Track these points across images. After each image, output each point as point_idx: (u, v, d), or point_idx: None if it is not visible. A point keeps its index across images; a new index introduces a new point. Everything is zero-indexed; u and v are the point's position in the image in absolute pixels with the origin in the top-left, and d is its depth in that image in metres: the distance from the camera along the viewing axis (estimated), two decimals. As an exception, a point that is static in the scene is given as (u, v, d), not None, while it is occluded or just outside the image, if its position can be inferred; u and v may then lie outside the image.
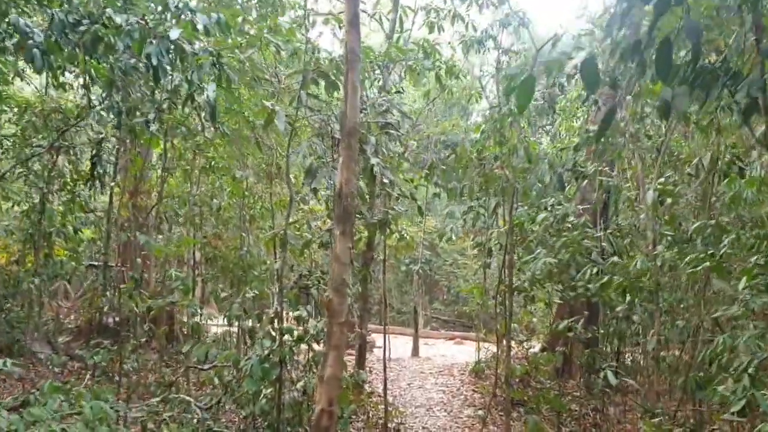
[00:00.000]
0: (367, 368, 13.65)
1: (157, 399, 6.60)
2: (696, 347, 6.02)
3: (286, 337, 6.68)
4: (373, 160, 5.88)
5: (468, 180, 8.67)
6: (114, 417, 4.97)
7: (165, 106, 6.17)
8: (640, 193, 8.61)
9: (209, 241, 11.68)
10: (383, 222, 9.39)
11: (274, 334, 6.34)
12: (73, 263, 10.29)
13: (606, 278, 4.54)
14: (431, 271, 26.68)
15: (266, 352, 6.60)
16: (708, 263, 4.41)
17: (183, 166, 11.38)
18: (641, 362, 10.68)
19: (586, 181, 8.78)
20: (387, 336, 17.49)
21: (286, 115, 6.21)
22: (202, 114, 8.71)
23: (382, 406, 9.30)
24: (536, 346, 13.64)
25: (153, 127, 6.01)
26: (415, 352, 16.86)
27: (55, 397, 4.78)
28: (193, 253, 13.04)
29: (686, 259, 4.53)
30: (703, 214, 5.93)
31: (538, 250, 7.28)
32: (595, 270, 5.25)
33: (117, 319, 9.23)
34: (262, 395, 7.66)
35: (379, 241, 11.48)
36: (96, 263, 10.98)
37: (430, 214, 24.24)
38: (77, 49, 5.59)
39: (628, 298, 5.66)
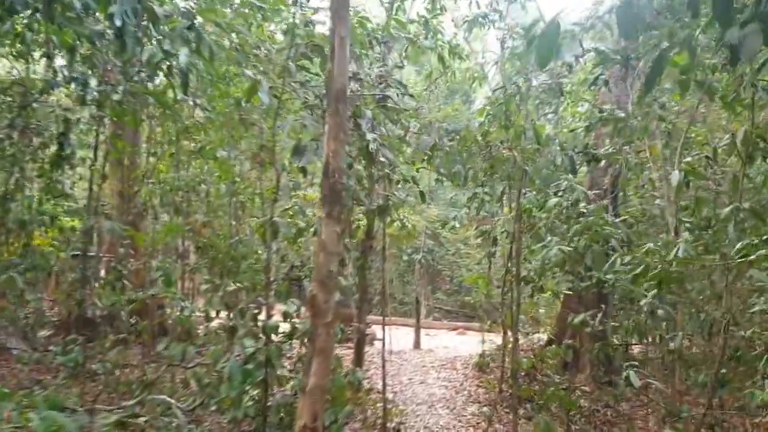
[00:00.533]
0: (367, 363, 13.02)
1: (133, 401, 5.96)
2: (725, 342, 5.34)
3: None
4: (370, 137, 5.20)
5: (473, 164, 7.99)
6: (73, 429, 4.29)
7: (138, 78, 5.50)
8: (657, 176, 7.94)
9: (197, 229, 11.02)
10: (383, 208, 8.73)
11: (258, 332, 5.68)
12: (58, 253, 9.65)
13: (640, 268, 3.89)
14: (434, 260, 26.05)
15: (251, 351, 5.97)
16: (753, 253, 3.76)
17: (170, 150, 10.73)
18: (653, 357, 10.06)
19: (599, 164, 8.09)
20: (386, 329, 16.88)
21: (271, 87, 5.53)
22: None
23: (381, 404, 8.68)
24: (542, 338, 13.01)
25: (121, 100, 5.33)
26: (417, 344, 16.24)
27: (1, 406, 4.13)
28: (183, 242, 12.42)
29: (737, 247, 3.87)
30: (735, 197, 5.23)
31: (549, 238, 6.61)
32: (626, 258, 4.60)
33: (101, 312, 8.59)
34: (248, 398, 7.04)
35: (379, 229, 10.83)
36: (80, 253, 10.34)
37: (432, 202, 23.58)
38: (36, 14, 4.93)
39: (654, 290, 5.00)
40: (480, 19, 10.37)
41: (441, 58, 11.19)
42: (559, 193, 7.45)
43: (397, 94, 6.95)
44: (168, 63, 5.20)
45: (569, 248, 6.05)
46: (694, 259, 3.68)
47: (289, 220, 9.37)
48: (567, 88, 12.31)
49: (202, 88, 7.74)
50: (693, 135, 9.05)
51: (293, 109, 7.45)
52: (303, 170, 5.79)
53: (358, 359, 10.46)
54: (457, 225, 11.43)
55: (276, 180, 6.21)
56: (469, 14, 11.92)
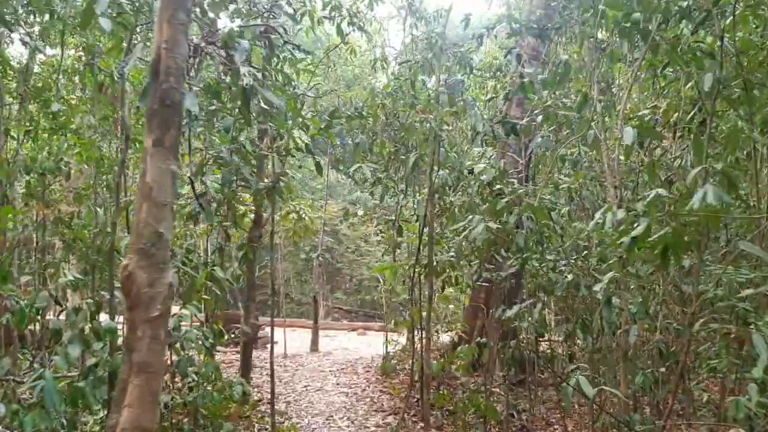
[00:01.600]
0: (258, 369, 11.40)
1: None
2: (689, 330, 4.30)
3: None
4: (243, 70, 3.73)
5: (377, 140, 6.67)
6: None
7: None
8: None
9: (52, 214, 9.04)
10: (272, 189, 7.23)
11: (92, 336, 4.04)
12: None
13: (640, 227, 2.70)
14: (333, 258, 24.63)
15: (92, 363, 4.33)
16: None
17: (26, 126, 8.75)
18: (577, 354, 9.16)
19: (518, 137, 7.02)
20: (282, 331, 15.23)
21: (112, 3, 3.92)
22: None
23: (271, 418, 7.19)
24: (445, 337, 11.93)
25: None
26: (315, 346, 14.76)
27: None
28: (42, 234, 10.31)
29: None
30: (699, 159, 4.20)
31: (470, 217, 5.38)
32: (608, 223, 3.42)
33: None
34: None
35: (270, 216, 9.27)
36: None
37: (331, 199, 22.15)
38: None
39: (611, 273, 3.87)
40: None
41: (339, 29, 9.82)
42: (480, 168, 6.26)
43: (286, 30, 5.50)
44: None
45: (497, 225, 4.85)
46: (720, 211, 2.52)
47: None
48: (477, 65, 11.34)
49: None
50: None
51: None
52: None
53: (245, 366, 8.88)
54: (359, 213, 10.07)
55: (125, 136, 4.59)
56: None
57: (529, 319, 6.13)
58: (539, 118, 6.88)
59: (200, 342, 5.29)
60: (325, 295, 25.11)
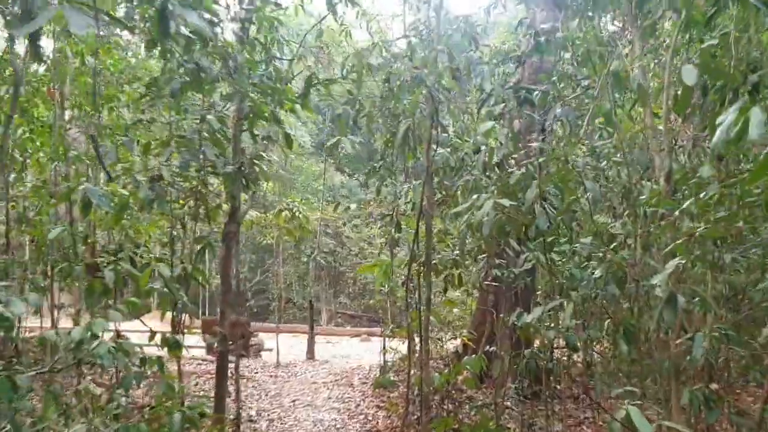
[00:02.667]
0: (244, 381, 10.19)
1: None
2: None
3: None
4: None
5: (367, 102, 5.45)
6: None
7: None
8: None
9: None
10: (238, 172, 6.03)
11: None
12: None
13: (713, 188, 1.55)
14: (335, 261, 23.42)
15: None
16: None
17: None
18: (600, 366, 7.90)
19: (533, 107, 5.77)
20: (277, 337, 13.98)
21: None
22: None
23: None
24: (450, 342, 10.67)
25: None
26: (311, 354, 13.50)
27: None
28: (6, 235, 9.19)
29: None
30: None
31: (475, 196, 4.15)
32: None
33: None
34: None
35: (249, 207, 8.09)
36: None
37: (332, 199, 20.95)
38: None
39: (674, 260, 2.65)
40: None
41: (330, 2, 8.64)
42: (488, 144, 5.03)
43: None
44: None
45: (512, 203, 3.62)
46: None
47: (106, 189, 6.51)
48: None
49: None
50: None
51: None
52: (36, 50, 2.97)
53: (220, 379, 7.64)
54: (353, 206, 8.85)
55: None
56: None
57: (554, 325, 4.87)
58: (560, 86, 5.68)
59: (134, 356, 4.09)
60: (327, 299, 23.89)
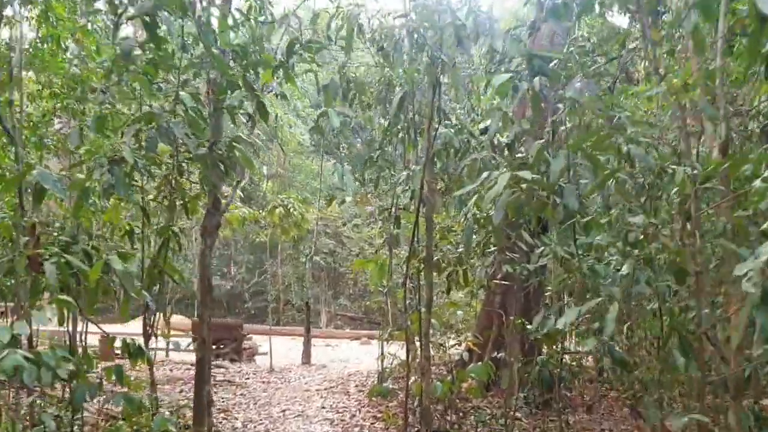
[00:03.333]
0: (233, 388, 9.43)
1: None
2: None
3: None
4: None
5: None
6: None
7: None
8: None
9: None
10: (217, 155, 5.27)
11: None
12: None
13: None
14: (335, 262, 22.65)
15: None
16: None
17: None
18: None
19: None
20: (270, 340, 13.14)
21: None
22: None
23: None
24: (454, 348, 9.89)
25: None
26: (306, 358, 12.72)
27: None
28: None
29: None
30: None
31: (486, 173, 3.38)
32: None
33: None
34: None
35: (232, 198, 7.31)
36: None
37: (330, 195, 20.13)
38: None
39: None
40: None
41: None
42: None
43: None
44: None
45: (534, 175, 2.83)
46: None
47: (62, 173, 5.77)
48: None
49: None
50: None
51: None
52: None
53: (199, 389, 6.86)
54: (348, 199, 8.11)
55: None
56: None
57: (593, 333, 4.07)
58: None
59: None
60: (327, 301, 23.12)
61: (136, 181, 5.41)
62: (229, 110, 5.26)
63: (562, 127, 3.17)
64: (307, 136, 23.19)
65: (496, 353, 8.15)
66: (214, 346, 12.77)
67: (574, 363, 8.45)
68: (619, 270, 4.59)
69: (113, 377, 4.50)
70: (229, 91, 4.61)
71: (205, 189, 5.88)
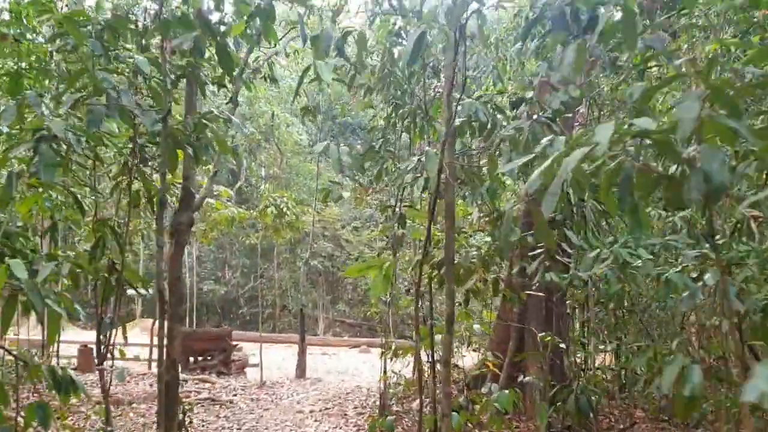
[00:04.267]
0: (216, 408, 8.30)
1: None
2: None
3: None
4: None
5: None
6: None
7: None
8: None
9: None
10: (177, 132, 4.15)
11: None
12: None
13: None
14: (333, 266, 21.51)
15: None
16: None
17: None
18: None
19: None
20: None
21: None
22: None
23: None
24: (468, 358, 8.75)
25: None
26: (301, 371, 11.54)
27: None
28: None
29: None
30: None
31: (547, 139, 2.28)
32: None
33: None
34: None
35: (208, 192, 6.19)
36: None
37: (335, 204, 19.03)
38: None
39: None
40: None
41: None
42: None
43: None
44: None
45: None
46: None
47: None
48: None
49: None
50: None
51: None
52: None
53: (168, 410, 5.69)
54: (345, 195, 6.99)
55: None
56: None
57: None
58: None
59: None
60: (325, 306, 21.97)
61: (80, 164, 4.31)
62: (196, 78, 4.14)
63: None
64: (305, 136, 22.10)
65: (515, 373, 7.03)
66: (200, 358, 11.62)
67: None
68: (697, 279, 3.52)
69: (35, 419, 3.38)
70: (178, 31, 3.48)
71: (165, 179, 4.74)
